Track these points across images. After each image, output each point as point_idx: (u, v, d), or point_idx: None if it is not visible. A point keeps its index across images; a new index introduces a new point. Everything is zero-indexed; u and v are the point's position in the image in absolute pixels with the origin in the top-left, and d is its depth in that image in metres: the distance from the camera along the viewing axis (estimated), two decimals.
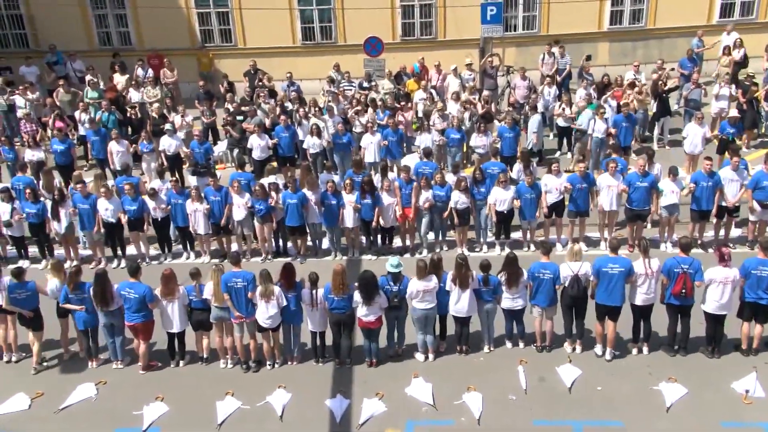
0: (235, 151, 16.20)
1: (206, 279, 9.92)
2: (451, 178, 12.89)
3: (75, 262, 12.29)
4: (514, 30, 20.74)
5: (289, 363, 10.17)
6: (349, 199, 12.50)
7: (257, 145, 15.33)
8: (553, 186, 12.42)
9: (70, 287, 9.91)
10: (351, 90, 18.07)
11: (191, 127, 16.81)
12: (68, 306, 10.04)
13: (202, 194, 12.70)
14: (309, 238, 13.09)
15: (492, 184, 12.57)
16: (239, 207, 12.67)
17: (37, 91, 18.42)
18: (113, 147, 15.22)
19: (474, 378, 9.65)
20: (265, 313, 9.78)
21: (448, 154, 15.15)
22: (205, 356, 10.24)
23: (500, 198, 12.38)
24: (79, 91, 18.62)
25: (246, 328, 9.99)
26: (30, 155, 15.42)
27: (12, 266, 10.58)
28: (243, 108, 16.95)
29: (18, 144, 17.71)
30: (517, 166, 13.40)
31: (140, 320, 9.92)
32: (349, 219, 12.56)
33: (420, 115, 16.91)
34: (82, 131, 16.98)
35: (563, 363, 9.85)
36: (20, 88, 18.29)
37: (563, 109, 15.98)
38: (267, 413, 9.24)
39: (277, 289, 9.73)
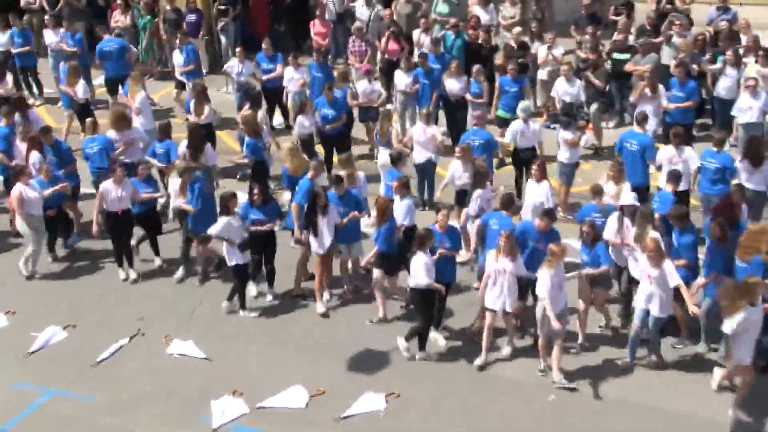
0: (593, 107, 15.76)
1: None
2: None
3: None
4: None
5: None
6: None
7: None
8: None
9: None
10: None
11: (559, 65, 16.75)
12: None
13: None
14: None
15: None
16: None
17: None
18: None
19: None
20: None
21: None
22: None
23: None
24: (423, 3, 19.80)
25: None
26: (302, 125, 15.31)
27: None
28: (631, 43, 16.49)
29: (341, 65, 19.55)
30: None
31: None
32: None
33: None
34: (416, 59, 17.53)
35: None
36: None
37: None
38: None
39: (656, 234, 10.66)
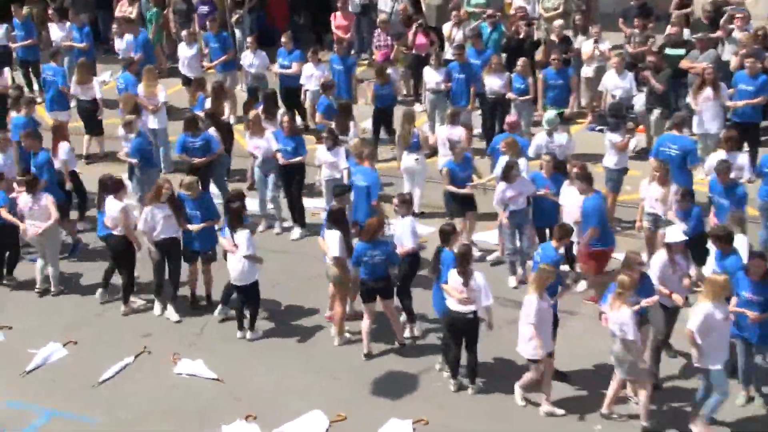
0: (654, 114, 15.60)
1: None
2: None
3: None
4: None
5: None
6: None
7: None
8: None
9: None
10: None
11: (606, 61, 16.60)
12: None
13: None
14: None
15: None
16: None
17: None
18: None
19: None
20: None
21: None
22: None
23: None
24: None
25: None
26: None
27: None
28: (686, 38, 16.27)
29: (365, 63, 19.47)
30: None
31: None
32: None
33: None
34: (448, 54, 17.55)
35: None
36: None
37: None
38: None
39: None
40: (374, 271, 11.33)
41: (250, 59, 17.72)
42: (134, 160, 14.46)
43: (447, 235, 11.11)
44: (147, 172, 14.45)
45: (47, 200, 12.85)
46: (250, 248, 11.64)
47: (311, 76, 16.93)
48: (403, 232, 11.73)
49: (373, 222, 11.46)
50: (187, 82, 18.22)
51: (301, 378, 11.34)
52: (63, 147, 14.30)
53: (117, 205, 12.37)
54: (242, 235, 11.66)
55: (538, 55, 17.20)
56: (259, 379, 11.34)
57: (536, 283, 10.19)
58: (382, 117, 16.51)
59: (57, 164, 14.05)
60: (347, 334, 11.96)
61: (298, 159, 14.17)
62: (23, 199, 12.93)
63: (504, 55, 17.13)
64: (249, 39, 18.10)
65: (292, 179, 14.27)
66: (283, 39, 17.59)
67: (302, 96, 17.39)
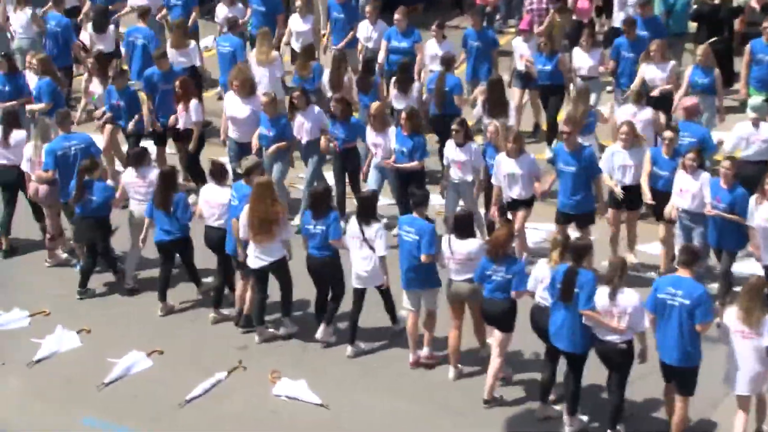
0: None
1: None
2: None
3: None
4: None
5: None
6: None
7: None
8: None
9: None
10: None
11: None
12: None
13: None
14: None
15: None
16: None
17: None
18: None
19: None
20: None
21: None
22: None
23: None
24: None
25: None
26: None
27: None
28: None
29: (512, 30, 18.67)
30: None
31: None
32: None
33: None
34: (617, 22, 16.89)
35: None
36: None
37: None
38: None
39: None
40: (495, 290, 10.66)
41: (367, 31, 16.72)
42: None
43: (582, 251, 10.19)
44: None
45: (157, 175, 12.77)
46: (387, 248, 11.35)
47: (435, 56, 15.69)
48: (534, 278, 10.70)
49: (499, 235, 10.77)
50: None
51: (420, 409, 10.95)
52: (193, 105, 14.51)
53: (225, 193, 12.16)
54: (377, 230, 11.31)
55: (737, 26, 16.42)
56: (369, 408, 11.00)
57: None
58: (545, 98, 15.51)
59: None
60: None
61: (412, 164, 13.26)
62: (127, 176, 13.02)
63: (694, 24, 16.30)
64: (368, 7, 17.06)
65: (408, 185, 13.15)
66: (396, 16, 16.35)
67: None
